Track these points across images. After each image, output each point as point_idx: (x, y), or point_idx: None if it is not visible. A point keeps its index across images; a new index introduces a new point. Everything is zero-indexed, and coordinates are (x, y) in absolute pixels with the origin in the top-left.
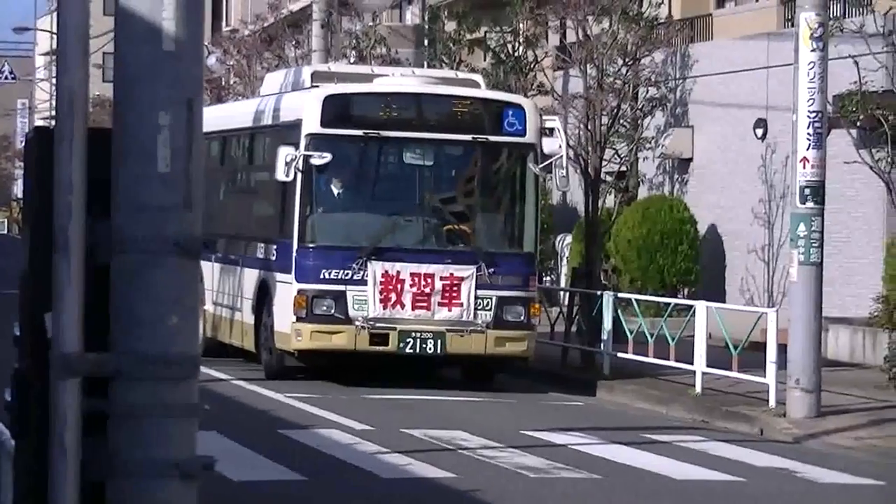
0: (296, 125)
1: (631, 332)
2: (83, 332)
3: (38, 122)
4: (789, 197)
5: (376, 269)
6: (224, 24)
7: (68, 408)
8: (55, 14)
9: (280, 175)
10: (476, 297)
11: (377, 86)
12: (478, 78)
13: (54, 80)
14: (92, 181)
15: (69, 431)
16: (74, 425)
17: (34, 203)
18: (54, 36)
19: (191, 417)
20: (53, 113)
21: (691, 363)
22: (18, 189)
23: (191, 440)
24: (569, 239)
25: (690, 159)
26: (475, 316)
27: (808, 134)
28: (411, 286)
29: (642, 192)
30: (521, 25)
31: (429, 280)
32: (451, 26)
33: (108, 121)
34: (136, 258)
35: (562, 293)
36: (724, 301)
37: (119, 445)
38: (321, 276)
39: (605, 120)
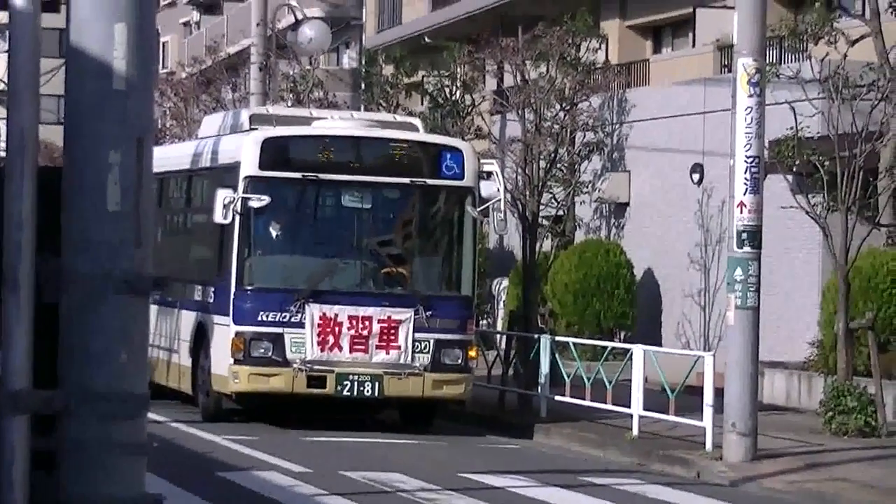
0: (234, 167)
1: (568, 376)
2: (32, 369)
3: None
4: (726, 241)
5: (314, 311)
6: (161, 66)
7: (16, 444)
8: None
9: (218, 217)
10: (414, 340)
11: (315, 129)
12: (416, 121)
13: None
14: (41, 218)
15: (17, 468)
16: (22, 462)
17: None
18: None
19: (139, 455)
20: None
21: (628, 406)
22: None
23: (139, 478)
24: (505, 283)
25: (627, 203)
26: (413, 359)
27: (745, 179)
28: (349, 329)
29: (579, 236)
30: (458, 69)
31: (366, 323)
32: (388, 70)
33: (42, 161)
34: (85, 295)
35: (499, 336)
36: (660, 345)
37: (67, 482)
38: (259, 319)
39: (542, 164)
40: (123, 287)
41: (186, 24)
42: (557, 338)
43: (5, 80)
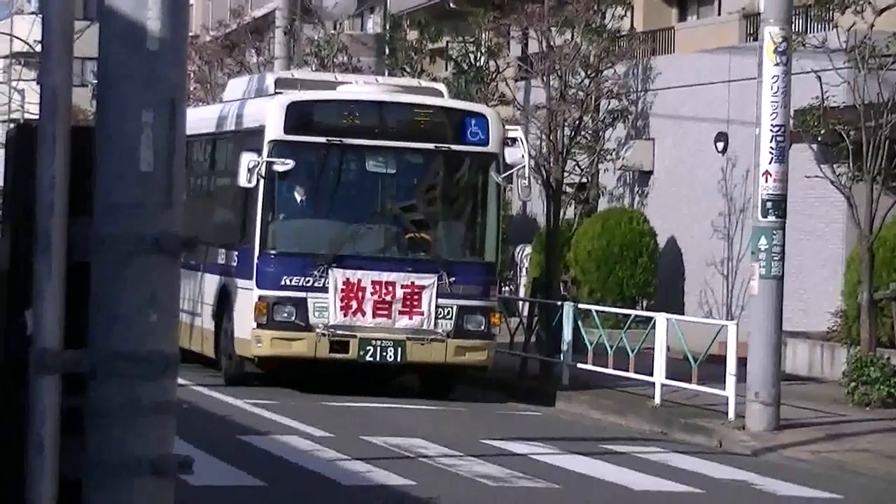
0: (259, 131)
1: (590, 343)
2: (63, 329)
3: None
4: (749, 210)
5: (337, 276)
6: None
7: (46, 405)
8: (12, 19)
9: (242, 181)
10: (437, 306)
11: (340, 93)
12: (441, 87)
13: (13, 83)
14: (73, 179)
15: (47, 429)
16: (52, 423)
17: (16, 200)
18: (13, 39)
19: (168, 415)
20: (10, 116)
21: (650, 375)
22: None
23: (167, 438)
24: (528, 249)
25: (651, 172)
26: (436, 325)
27: (771, 148)
28: (372, 294)
29: (602, 204)
30: (483, 35)
31: (390, 288)
32: (412, 35)
33: None
34: (116, 256)
35: (521, 303)
36: (682, 313)
37: (96, 443)
38: (282, 283)
39: (566, 131)
40: (154, 248)
41: None
42: (580, 305)
43: (31, 43)
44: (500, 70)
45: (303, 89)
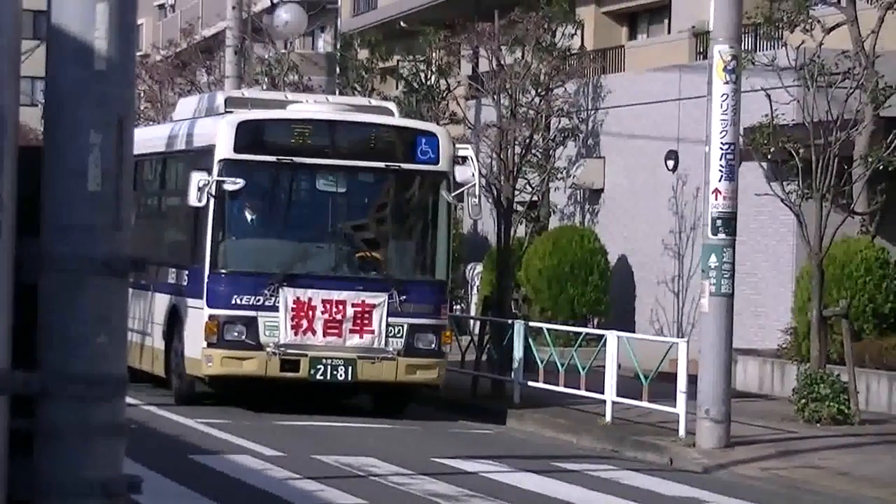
0: (209, 150)
1: (542, 361)
2: (11, 350)
3: None
4: (700, 228)
5: (288, 295)
6: None
7: None
8: None
9: (192, 200)
10: (387, 325)
11: (291, 112)
12: (391, 106)
13: None
14: (21, 199)
15: None
16: (0, 444)
17: None
18: None
19: (117, 437)
20: None
21: (602, 392)
22: None
23: (117, 460)
24: (479, 268)
25: (601, 190)
26: (386, 343)
27: (721, 166)
28: (323, 313)
29: (553, 222)
30: (433, 54)
31: (340, 307)
32: (363, 54)
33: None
34: (64, 277)
35: (472, 322)
36: (633, 331)
37: (45, 464)
38: (233, 302)
39: (517, 149)
40: (103, 269)
41: (161, 6)
42: (531, 323)
43: None
44: (451, 89)
45: (253, 108)
